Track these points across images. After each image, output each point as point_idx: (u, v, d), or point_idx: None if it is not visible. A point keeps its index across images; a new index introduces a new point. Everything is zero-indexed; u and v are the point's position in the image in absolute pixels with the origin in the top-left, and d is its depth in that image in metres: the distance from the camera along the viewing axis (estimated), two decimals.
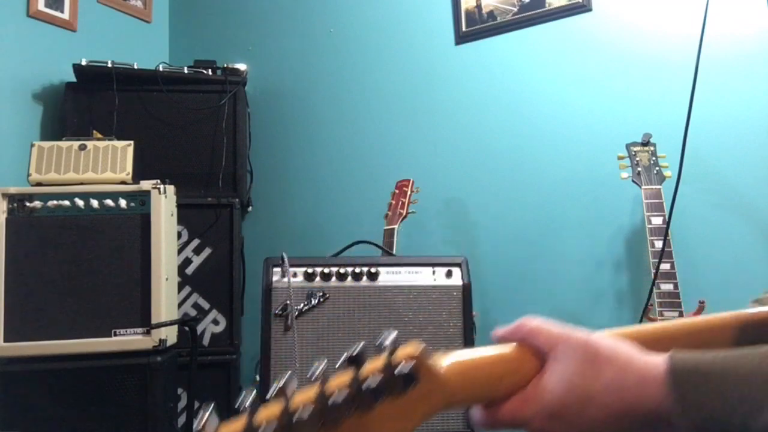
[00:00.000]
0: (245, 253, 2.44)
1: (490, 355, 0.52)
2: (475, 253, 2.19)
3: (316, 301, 1.56)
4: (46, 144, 1.86)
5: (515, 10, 2.24)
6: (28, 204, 1.76)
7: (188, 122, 2.40)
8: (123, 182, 1.86)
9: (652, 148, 1.77)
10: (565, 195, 2.11)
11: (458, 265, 1.63)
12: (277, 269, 1.59)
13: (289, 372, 0.45)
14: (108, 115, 2.28)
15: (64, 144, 1.86)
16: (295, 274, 1.58)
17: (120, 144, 1.90)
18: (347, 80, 2.60)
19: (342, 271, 1.59)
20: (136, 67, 2.35)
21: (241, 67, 2.50)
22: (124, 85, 2.31)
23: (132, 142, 1.92)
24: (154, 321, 1.74)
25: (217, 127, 2.40)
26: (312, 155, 2.63)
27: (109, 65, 2.29)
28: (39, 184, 1.82)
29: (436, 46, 2.41)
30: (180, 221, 2.08)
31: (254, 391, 0.44)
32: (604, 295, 2.01)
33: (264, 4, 2.83)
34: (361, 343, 0.45)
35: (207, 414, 0.42)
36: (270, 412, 0.41)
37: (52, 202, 1.77)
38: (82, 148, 1.87)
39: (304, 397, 0.42)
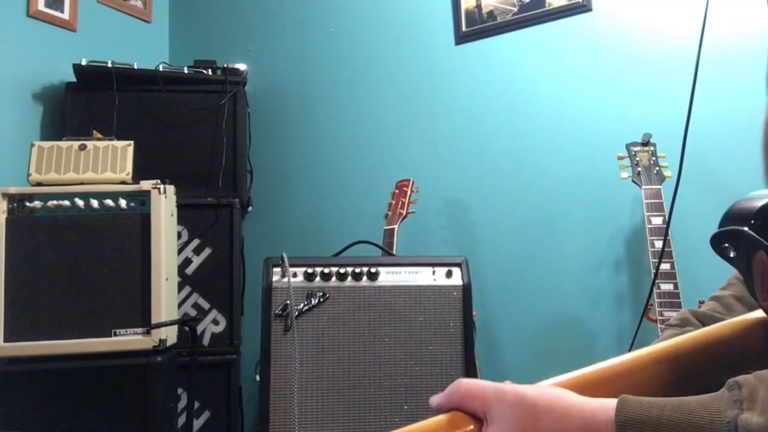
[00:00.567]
0: (245, 253, 2.44)
1: (423, 427, 0.49)
2: (475, 253, 2.19)
3: (316, 301, 1.56)
4: (46, 144, 1.86)
5: (515, 10, 2.24)
6: (28, 204, 1.76)
7: (188, 122, 2.40)
8: (123, 182, 1.86)
9: (652, 148, 1.77)
10: (565, 195, 2.11)
11: (458, 265, 1.63)
12: (277, 269, 1.59)
13: None
14: (108, 115, 2.29)
15: (64, 144, 1.86)
16: (295, 274, 1.58)
17: (120, 144, 1.90)
18: (347, 80, 2.60)
19: (342, 271, 1.59)
20: (136, 67, 2.35)
21: (241, 67, 2.50)
22: (124, 85, 2.31)
23: (132, 142, 1.92)
24: (154, 321, 1.74)
25: (217, 127, 2.40)
26: (312, 155, 2.63)
27: (109, 65, 2.29)
28: (39, 184, 1.82)
29: (436, 46, 2.41)
30: (180, 221, 2.09)
31: None
32: (604, 295, 2.01)
33: (264, 4, 2.83)
34: None
35: None
36: None
37: (52, 202, 1.77)
38: (82, 148, 1.87)
39: None
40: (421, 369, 1.56)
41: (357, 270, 1.59)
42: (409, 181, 2.09)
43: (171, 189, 1.89)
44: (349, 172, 2.54)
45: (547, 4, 2.19)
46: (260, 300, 1.58)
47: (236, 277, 2.36)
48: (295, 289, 1.57)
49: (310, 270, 1.58)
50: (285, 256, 1.60)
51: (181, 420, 2.11)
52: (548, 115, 2.17)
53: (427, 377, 1.55)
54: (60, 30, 2.45)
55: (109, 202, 1.79)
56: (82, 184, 1.82)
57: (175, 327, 1.86)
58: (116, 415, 1.72)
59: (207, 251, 2.34)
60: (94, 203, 1.78)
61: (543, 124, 2.18)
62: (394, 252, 1.90)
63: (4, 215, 1.74)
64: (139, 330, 1.75)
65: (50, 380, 1.70)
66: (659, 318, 1.57)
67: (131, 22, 2.78)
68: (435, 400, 0.53)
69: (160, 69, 2.40)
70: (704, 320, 0.92)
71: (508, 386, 0.50)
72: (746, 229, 0.53)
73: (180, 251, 2.26)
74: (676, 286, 1.58)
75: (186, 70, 2.45)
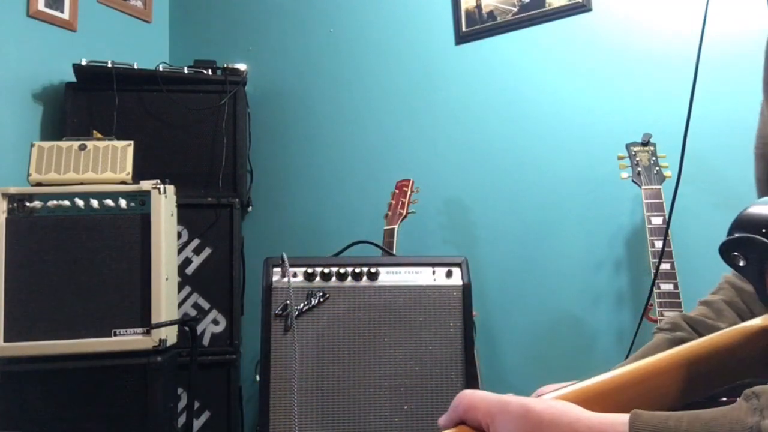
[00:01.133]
0: (245, 253, 2.44)
1: None
2: (475, 253, 2.19)
3: (316, 301, 1.56)
4: (46, 144, 1.86)
5: (515, 10, 2.24)
6: (28, 204, 1.76)
7: (188, 122, 2.40)
8: (123, 182, 1.86)
9: (652, 148, 1.77)
10: (565, 195, 2.11)
11: (458, 265, 1.63)
12: (277, 269, 1.59)
13: None
14: (108, 115, 2.29)
15: (64, 144, 1.86)
16: (295, 274, 1.58)
17: (120, 144, 1.90)
18: (347, 80, 2.60)
19: (342, 271, 1.59)
20: (136, 67, 2.35)
21: (241, 67, 2.50)
22: (124, 85, 2.31)
23: (132, 142, 1.92)
24: (154, 321, 1.74)
25: (217, 127, 2.41)
26: (312, 155, 2.63)
27: (109, 65, 2.30)
28: (39, 184, 1.82)
29: (436, 46, 2.41)
30: (180, 221, 2.08)
31: None
32: (604, 295, 2.01)
33: (264, 4, 2.83)
34: None
35: None
36: None
37: (52, 202, 1.77)
38: (82, 148, 1.87)
39: None
40: (421, 369, 1.55)
41: (357, 270, 1.59)
42: (409, 181, 2.09)
43: (171, 189, 1.89)
44: (349, 172, 2.54)
45: (547, 4, 2.19)
46: (260, 300, 1.58)
47: (236, 277, 2.36)
48: (295, 289, 1.57)
49: (310, 270, 1.58)
50: (285, 256, 1.59)
51: (181, 420, 2.11)
52: (548, 115, 2.17)
53: (427, 377, 1.55)
54: (60, 30, 2.45)
55: (109, 202, 1.79)
56: (82, 184, 1.83)
57: (175, 327, 1.86)
58: (116, 415, 1.72)
59: (207, 251, 2.34)
60: (94, 203, 1.78)
61: (543, 124, 2.18)
62: (394, 252, 1.90)
63: (4, 215, 1.74)
64: (139, 330, 1.75)
65: (50, 380, 1.70)
66: (659, 318, 1.57)
67: (131, 22, 2.78)
68: (442, 420, 0.52)
69: (160, 69, 2.40)
70: (695, 325, 0.91)
71: (513, 398, 0.49)
72: (759, 237, 0.52)
73: (180, 251, 2.26)
74: (676, 286, 1.58)
75: (186, 70, 2.45)
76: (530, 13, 2.21)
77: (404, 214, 2.01)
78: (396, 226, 1.97)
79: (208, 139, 2.41)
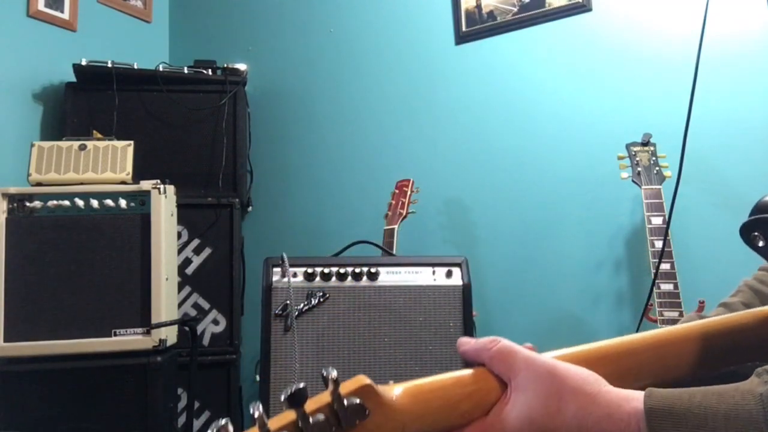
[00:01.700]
0: (245, 253, 2.44)
1: (444, 380, 0.49)
2: (475, 253, 2.19)
3: (316, 301, 1.56)
4: (46, 144, 1.86)
5: (515, 10, 2.24)
6: (28, 204, 1.76)
7: (188, 122, 2.40)
8: (123, 182, 1.86)
9: (652, 148, 1.77)
10: (565, 195, 2.11)
11: (458, 265, 1.63)
12: (277, 269, 1.59)
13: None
14: (108, 115, 2.29)
15: (64, 144, 1.86)
16: (295, 274, 1.58)
17: (120, 144, 1.90)
18: (347, 80, 2.60)
19: (342, 271, 1.59)
20: (136, 67, 2.35)
21: (241, 67, 2.50)
22: (124, 85, 2.31)
23: (132, 142, 1.92)
24: (154, 321, 1.74)
25: (217, 127, 2.40)
26: (312, 155, 2.63)
27: (109, 65, 2.29)
28: (39, 184, 1.82)
29: (436, 46, 2.41)
30: (180, 221, 2.08)
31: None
32: (604, 295, 2.01)
33: (264, 4, 2.83)
34: (301, 383, 0.42)
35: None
36: None
37: (52, 202, 1.77)
38: (82, 148, 1.87)
39: None
40: (421, 369, 1.55)
41: (357, 270, 1.59)
42: (409, 181, 2.09)
43: (171, 189, 1.89)
44: (349, 172, 2.54)
45: (547, 4, 2.19)
46: (260, 300, 1.57)
47: (236, 277, 2.36)
48: (295, 289, 1.57)
49: (310, 270, 1.58)
50: (285, 256, 1.59)
51: (181, 420, 2.11)
52: (548, 115, 2.17)
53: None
54: (60, 30, 2.45)
55: (109, 202, 1.79)
56: (82, 184, 1.82)
57: (175, 327, 1.86)
58: (116, 415, 1.72)
59: (207, 251, 2.34)
60: (94, 203, 1.78)
61: (543, 124, 2.18)
62: (394, 252, 1.90)
63: (4, 215, 1.74)
64: (139, 330, 1.75)
65: (50, 380, 1.70)
66: (659, 318, 1.57)
67: (131, 22, 2.78)
68: (465, 344, 0.52)
69: (160, 69, 2.40)
70: None
71: (540, 357, 0.49)
72: None
73: (180, 251, 2.26)
74: (676, 286, 1.58)
75: (186, 70, 2.45)
76: (530, 13, 2.21)
77: (404, 214, 2.01)
78: (396, 226, 1.97)
79: (208, 139, 2.41)
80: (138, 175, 1.89)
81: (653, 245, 1.62)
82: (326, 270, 1.59)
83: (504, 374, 0.49)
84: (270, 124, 2.71)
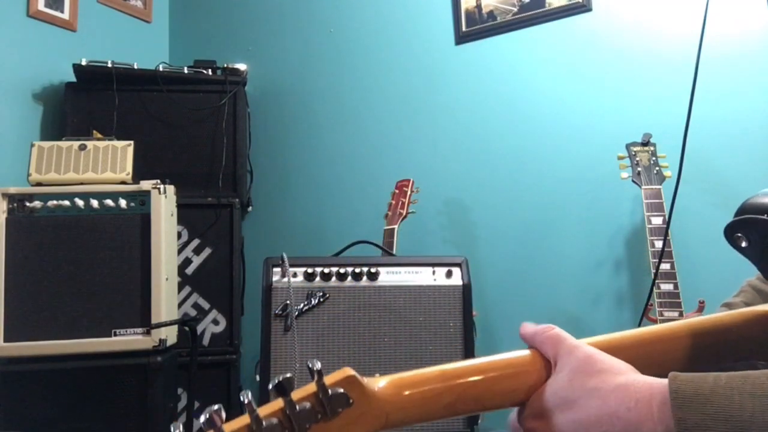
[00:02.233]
0: (245, 253, 2.44)
1: (428, 373, 0.52)
2: (475, 253, 2.19)
3: (316, 301, 1.56)
4: (46, 144, 1.86)
5: (515, 10, 2.24)
6: (28, 204, 1.76)
7: (188, 122, 2.40)
8: (123, 182, 1.86)
9: (652, 148, 1.77)
10: (565, 195, 2.11)
11: (458, 265, 1.63)
12: (277, 269, 1.59)
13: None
14: (108, 115, 2.29)
15: (64, 144, 1.86)
16: (295, 274, 1.58)
17: (120, 144, 1.90)
18: (347, 80, 2.60)
19: (342, 271, 1.59)
20: (136, 67, 2.35)
21: (241, 67, 2.50)
22: (124, 85, 2.31)
23: (132, 142, 1.92)
24: (154, 321, 1.74)
25: (217, 127, 2.40)
26: (312, 155, 2.63)
27: (109, 65, 2.29)
28: (39, 184, 1.82)
29: (436, 46, 2.41)
30: (180, 221, 2.08)
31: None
32: (604, 295, 2.01)
33: (264, 4, 2.83)
34: (287, 375, 0.45)
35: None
36: None
37: (52, 202, 1.77)
38: (82, 148, 1.87)
39: (234, 426, 0.45)
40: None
41: (357, 270, 1.58)
42: (409, 181, 2.09)
43: (171, 189, 1.89)
44: (349, 172, 2.54)
45: (547, 4, 2.19)
46: (260, 300, 1.57)
47: (236, 277, 2.36)
48: (295, 289, 1.57)
49: (310, 270, 1.58)
50: (285, 256, 1.59)
51: (181, 420, 2.11)
52: (548, 115, 2.17)
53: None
54: (60, 30, 2.45)
55: (109, 202, 1.79)
56: (82, 184, 1.82)
57: (175, 327, 1.86)
58: (116, 415, 1.72)
59: (207, 251, 2.34)
60: (94, 203, 1.78)
61: (543, 124, 2.18)
62: (394, 252, 1.90)
63: (4, 215, 1.74)
64: (139, 330, 1.75)
65: (50, 380, 1.70)
66: (659, 318, 1.57)
67: (131, 22, 2.78)
68: (525, 327, 0.57)
69: (160, 69, 2.40)
70: None
71: (585, 345, 0.52)
72: (761, 217, 0.55)
73: (180, 251, 2.26)
74: (676, 286, 1.58)
75: (186, 70, 2.45)
76: (530, 13, 2.21)
77: (404, 214, 2.01)
78: (396, 226, 1.97)
79: (208, 139, 2.41)
80: (138, 175, 1.89)
81: (653, 245, 1.62)
82: (326, 270, 1.59)
83: (550, 356, 0.53)
84: (270, 124, 2.71)
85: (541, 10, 2.19)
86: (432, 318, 1.58)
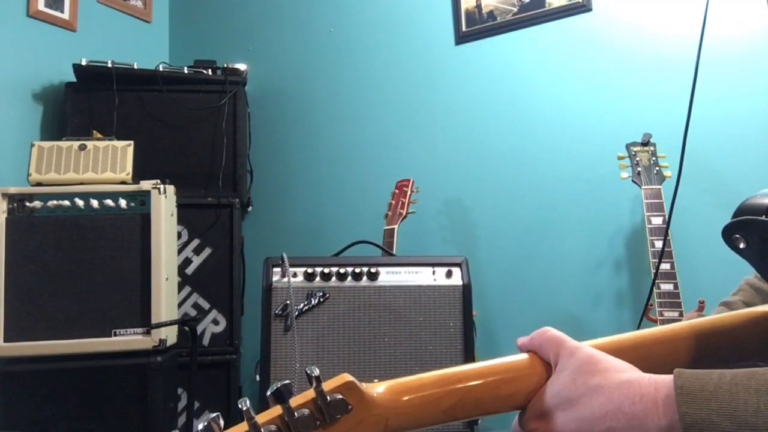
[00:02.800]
0: (245, 253, 2.44)
1: (427, 378, 0.52)
2: (475, 253, 2.19)
3: (316, 301, 1.56)
4: (46, 144, 1.86)
5: (515, 10, 2.24)
6: (28, 204, 1.76)
7: (188, 122, 2.40)
8: (123, 182, 1.86)
9: (652, 148, 1.77)
10: (565, 195, 2.11)
11: (458, 265, 1.63)
12: (277, 269, 1.59)
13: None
14: (108, 115, 2.29)
15: (64, 144, 1.86)
16: (295, 274, 1.58)
17: (120, 144, 1.90)
18: (347, 80, 2.60)
19: (342, 271, 1.59)
20: (136, 67, 2.35)
21: (241, 67, 2.50)
22: (124, 85, 2.31)
23: (132, 142, 1.92)
24: (154, 321, 1.74)
25: (217, 127, 2.40)
26: (312, 155, 2.63)
27: (109, 65, 2.29)
28: (39, 184, 1.82)
29: (436, 46, 2.41)
30: (180, 221, 2.08)
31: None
32: (604, 295, 2.01)
33: (264, 4, 2.83)
34: (285, 381, 0.45)
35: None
36: None
37: (52, 202, 1.77)
38: (82, 148, 1.87)
39: None
40: (421, 369, 1.54)
41: (357, 270, 1.58)
42: (409, 181, 2.09)
43: (171, 189, 1.89)
44: (349, 172, 2.54)
45: (547, 4, 2.19)
46: (260, 300, 1.57)
47: (236, 277, 2.36)
48: (295, 289, 1.57)
49: (310, 270, 1.58)
50: (285, 256, 1.59)
51: (181, 420, 2.11)
52: (548, 115, 2.17)
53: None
54: (60, 30, 2.45)
55: (109, 202, 1.79)
56: (82, 184, 1.82)
57: (175, 327, 1.86)
58: (116, 415, 1.72)
59: (207, 251, 2.34)
60: (94, 203, 1.78)
61: (543, 124, 2.18)
62: (394, 252, 1.90)
63: (4, 215, 1.74)
64: (139, 330, 1.75)
65: (50, 380, 1.70)
66: (659, 318, 1.57)
67: (131, 22, 2.78)
68: (520, 341, 0.57)
69: (160, 69, 2.40)
70: None
71: (586, 346, 0.52)
72: (759, 218, 0.55)
73: (180, 251, 2.26)
74: (676, 286, 1.58)
75: (186, 70, 2.45)
76: (530, 13, 2.21)
77: (404, 214, 2.01)
78: (396, 226, 1.97)
79: (208, 139, 2.41)
80: (138, 175, 1.89)
81: (653, 245, 1.62)
82: (326, 270, 1.59)
83: (550, 358, 0.53)
84: (270, 124, 2.71)
85: (541, 10, 2.19)
86: (432, 318, 1.58)
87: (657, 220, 1.64)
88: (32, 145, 1.85)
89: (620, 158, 1.78)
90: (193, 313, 2.28)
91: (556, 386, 0.50)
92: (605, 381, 0.47)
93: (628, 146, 1.79)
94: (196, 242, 2.33)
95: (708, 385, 0.42)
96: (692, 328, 0.56)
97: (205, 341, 2.30)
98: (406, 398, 0.50)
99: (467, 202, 2.29)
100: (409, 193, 2.06)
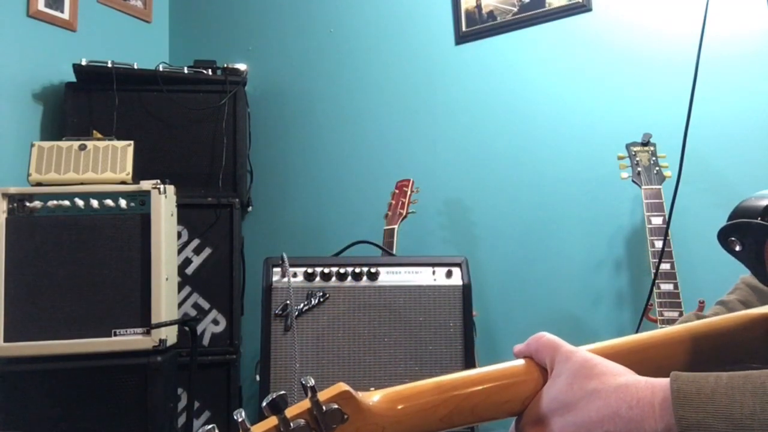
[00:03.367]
0: (245, 253, 2.44)
1: (422, 386, 0.52)
2: (475, 253, 2.19)
3: (316, 301, 1.56)
4: (46, 144, 1.86)
5: (515, 10, 2.24)
6: (28, 204, 1.76)
7: (188, 122, 2.40)
8: (123, 182, 1.86)
9: (652, 148, 1.77)
10: (565, 195, 2.11)
11: (458, 265, 1.63)
12: (277, 269, 1.59)
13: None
14: (108, 115, 2.29)
15: (64, 144, 1.86)
16: (295, 274, 1.58)
17: (120, 144, 1.90)
18: (347, 80, 2.60)
19: (342, 271, 1.59)
20: (136, 67, 2.35)
21: (241, 67, 2.50)
22: (124, 85, 2.31)
23: (132, 142, 1.92)
24: (154, 321, 1.74)
25: (217, 127, 2.40)
26: (312, 155, 2.63)
27: (109, 65, 2.29)
28: (39, 184, 1.82)
29: (436, 46, 2.41)
30: (180, 221, 2.08)
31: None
32: (604, 295, 2.01)
33: (264, 4, 2.83)
34: (281, 392, 0.45)
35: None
36: None
37: (52, 202, 1.77)
38: (82, 148, 1.87)
39: None
40: (421, 369, 1.56)
41: (357, 270, 1.59)
42: (409, 181, 2.09)
43: (171, 189, 1.89)
44: (349, 172, 2.54)
45: (547, 4, 2.19)
46: (260, 300, 1.58)
47: (236, 277, 2.36)
48: (295, 289, 1.57)
49: (310, 270, 1.58)
50: (285, 256, 1.60)
51: (181, 420, 2.11)
52: (548, 115, 2.17)
53: (427, 377, 1.55)
54: (60, 30, 2.45)
55: (109, 202, 1.79)
56: (82, 184, 1.82)
57: (175, 327, 1.86)
58: (116, 415, 1.72)
59: (207, 251, 2.34)
60: (94, 203, 1.78)
61: (543, 124, 2.18)
62: (394, 252, 1.90)
63: (4, 215, 1.74)
64: (139, 330, 1.75)
65: (50, 380, 1.70)
66: (659, 318, 1.57)
67: (131, 22, 2.78)
68: (516, 348, 0.57)
69: (160, 69, 2.40)
70: None
71: (581, 350, 0.52)
72: (755, 221, 0.55)
73: (180, 251, 2.26)
74: (676, 286, 1.58)
75: (186, 70, 2.45)
76: (530, 13, 2.21)
77: (404, 214, 2.01)
78: (396, 226, 1.97)
79: (208, 139, 2.41)
80: (138, 175, 1.89)
81: (653, 245, 1.62)
82: (326, 270, 1.59)
83: (546, 363, 0.53)
84: (270, 124, 2.71)
85: (541, 10, 2.19)
86: (432, 318, 1.58)
87: (657, 220, 1.64)
88: (32, 145, 1.85)
89: (620, 158, 1.78)
90: (193, 313, 2.28)
91: (552, 391, 0.50)
92: (602, 385, 0.47)
93: (628, 146, 1.79)
94: (196, 242, 2.33)
95: (704, 388, 0.43)
96: (689, 330, 0.56)
97: (205, 341, 2.30)
98: (401, 407, 0.49)
99: (467, 202, 2.29)
100: (409, 193, 2.06)
